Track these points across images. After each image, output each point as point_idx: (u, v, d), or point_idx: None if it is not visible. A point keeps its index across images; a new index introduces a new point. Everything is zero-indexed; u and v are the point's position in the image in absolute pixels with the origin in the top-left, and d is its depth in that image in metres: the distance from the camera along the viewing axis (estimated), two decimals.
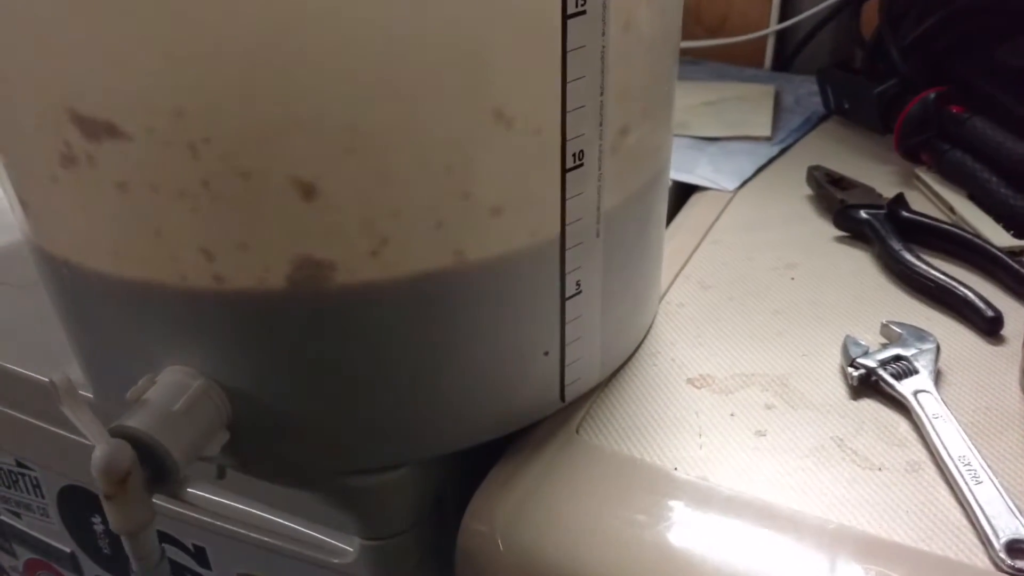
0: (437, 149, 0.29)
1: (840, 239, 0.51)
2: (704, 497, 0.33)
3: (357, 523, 0.37)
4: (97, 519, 0.47)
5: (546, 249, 0.33)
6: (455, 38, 0.27)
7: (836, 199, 0.52)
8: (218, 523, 0.42)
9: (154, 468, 0.31)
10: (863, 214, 0.49)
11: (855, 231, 0.50)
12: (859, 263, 0.48)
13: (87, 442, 0.36)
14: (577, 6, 0.29)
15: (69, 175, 0.30)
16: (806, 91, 0.73)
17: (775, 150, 0.62)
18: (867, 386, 0.38)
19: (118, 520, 0.31)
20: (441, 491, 0.39)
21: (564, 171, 0.32)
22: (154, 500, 0.32)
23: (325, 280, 0.30)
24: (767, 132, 0.64)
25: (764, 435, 0.36)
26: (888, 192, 0.52)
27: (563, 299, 0.35)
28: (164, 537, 0.45)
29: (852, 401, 0.38)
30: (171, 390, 0.32)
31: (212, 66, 0.26)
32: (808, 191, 0.57)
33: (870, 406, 0.37)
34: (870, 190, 0.52)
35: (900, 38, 0.62)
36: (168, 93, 0.27)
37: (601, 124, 0.32)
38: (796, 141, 0.64)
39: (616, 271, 0.37)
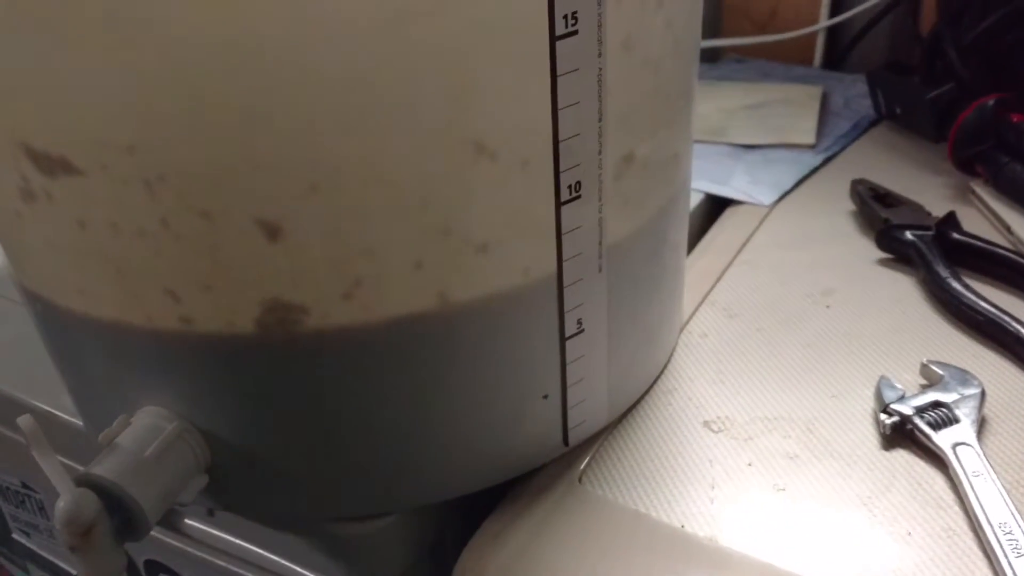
0: (410, 184, 0.27)
1: (883, 261, 0.47)
2: (712, 561, 0.31)
3: (346, 570, 0.35)
4: None
5: (541, 287, 0.31)
6: (425, 65, 0.25)
7: (880, 218, 0.48)
8: (214, 558, 0.41)
9: (123, 517, 0.30)
10: (908, 235, 0.46)
11: (899, 253, 0.46)
12: (902, 290, 0.44)
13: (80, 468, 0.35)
14: (567, 26, 0.27)
15: (30, 211, 0.29)
16: (857, 92, 0.69)
17: (819, 159, 0.58)
18: (901, 435, 0.35)
19: (85, 572, 0.29)
20: (438, 535, 0.37)
21: (559, 204, 0.29)
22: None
23: (296, 324, 0.28)
24: (811, 139, 0.60)
25: (783, 490, 0.33)
26: (939, 208, 0.48)
27: (563, 339, 0.32)
28: (161, 568, 0.44)
29: (883, 452, 0.34)
30: (143, 434, 0.30)
31: (161, 100, 0.24)
32: (850, 208, 0.53)
33: (903, 458, 0.34)
34: (918, 208, 0.48)
35: (959, 37, 0.58)
36: (118, 129, 0.25)
37: (600, 153, 0.30)
38: (843, 148, 0.60)
39: (624, 307, 0.34)
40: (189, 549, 0.42)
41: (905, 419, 0.34)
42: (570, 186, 0.29)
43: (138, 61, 0.24)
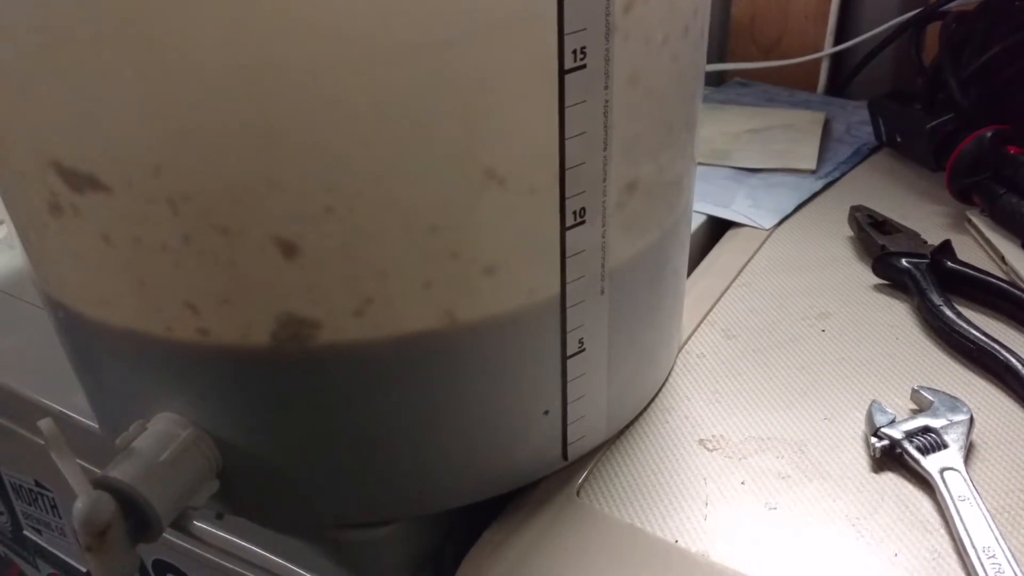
0: (422, 208, 0.28)
1: (879, 287, 0.48)
2: (704, 575, 0.32)
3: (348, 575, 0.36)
4: None
5: (545, 308, 0.32)
6: (440, 95, 0.26)
7: (877, 244, 0.49)
8: (222, 560, 0.42)
9: (137, 519, 0.31)
10: (904, 263, 0.47)
11: (895, 280, 0.48)
12: (896, 316, 0.46)
13: (95, 470, 0.36)
14: (576, 60, 0.28)
15: (57, 223, 0.30)
16: (859, 119, 0.70)
17: (819, 184, 0.59)
18: (891, 458, 0.36)
19: (100, 572, 0.30)
20: (439, 544, 0.38)
21: (564, 229, 0.31)
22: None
23: (309, 338, 0.30)
24: (812, 165, 0.61)
25: (775, 509, 0.34)
26: (935, 236, 0.49)
27: (564, 358, 0.33)
28: (169, 568, 0.45)
29: (873, 474, 0.35)
30: (159, 440, 0.32)
31: (185, 123, 0.26)
32: (848, 234, 0.54)
33: (892, 481, 0.35)
34: (915, 235, 0.50)
35: (960, 69, 0.59)
36: (145, 149, 0.26)
37: (605, 180, 0.31)
38: (844, 175, 0.61)
39: (624, 327, 0.35)
40: (197, 550, 0.43)
41: (895, 443, 0.35)
42: (575, 211, 0.31)
43: (163, 85, 0.25)
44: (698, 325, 0.46)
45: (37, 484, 0.49)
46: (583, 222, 0.31)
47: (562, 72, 0.28)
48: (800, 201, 0.57)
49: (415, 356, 0.31)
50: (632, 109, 0.31)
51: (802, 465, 0.36)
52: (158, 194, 0.27)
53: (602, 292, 0.33)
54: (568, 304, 0.32)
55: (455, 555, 0.37)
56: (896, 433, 0.36)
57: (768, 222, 0.55)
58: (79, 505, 0.29)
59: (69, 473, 0.30)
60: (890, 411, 0.37)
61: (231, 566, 0.41)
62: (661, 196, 0.35)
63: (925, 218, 0.54)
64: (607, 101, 0.29)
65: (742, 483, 0.35)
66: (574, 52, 0.28)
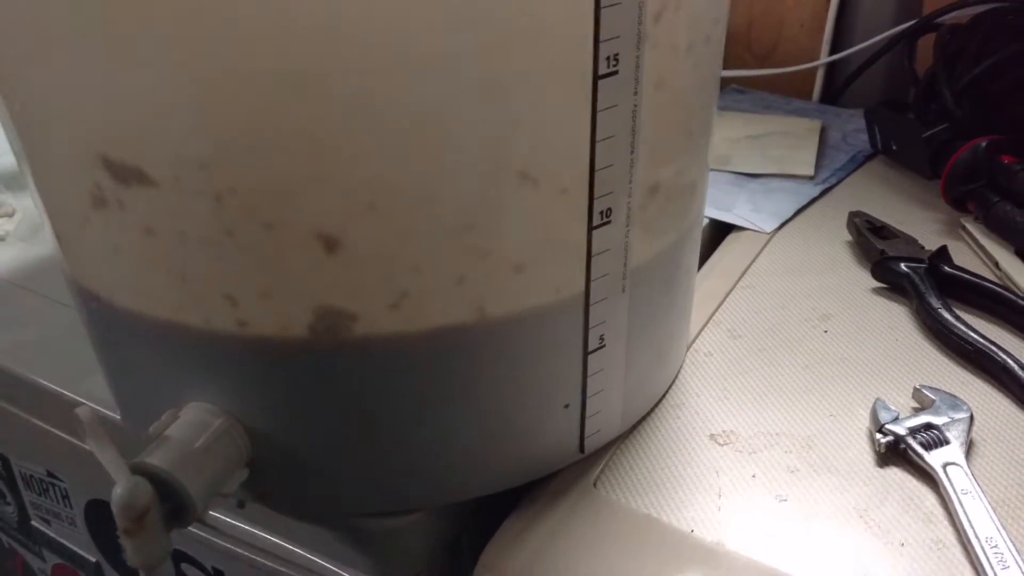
0: (458, 209, 0.29)
1: (878, 290, 0.50)
2: (720, 563, 0.33)
3: (372, 563, 0.37)
4: None
5: (570, 305, 0.33)
6: (478, 99, 0.27)
7: (876, 249, 0.51)
8: (238, 549, 0.43)
9: (172, 504, 0.31)
10: (903, 267, 0.48)
11: (894, 284, 0.49)
12: (895, 318, 0.47)
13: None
14: (609, 67, 0.29)
15: (100, 216, 0.31)
16: (854, 127, 0.72)
17: (817, 190, 0.61)
18: (895, 454, 0.37)
19: (136, 555, 0.31)
20: (456, 533, 0.39)
21: (590, 229, 0.32)
22: None
23: (345, 330, 0.30)
24: (810, 171, 0.63)
25: (785, 500, 0.35)
26: (930, 241, 0.51)
27: (585, 353, 0.35)
28: (184, 557, 0.45)
29: (878, 469, 0.37)
30: (193, 428, 0.32)
31: (233, 123, 0.27)
32: (846, 239, 0.55)
33: (896, 475, 0.36)
34: (912, 241, 0.51)
35: (954, 80, 0.61)
36: (195, 146, 0.27)
37: (631, 182, 0.32)
38: (840, 181, 0.63)
39: (642, 324, 0.37)
40: (213, 539, 0.44)
41: (899, 439, 0.37)
42: (602, 212, 0.32)
43: (216, 87, 0.26)
44: (704, 324, 0.47)
45: (49, 474, 0.50)
46: (608, 222, 0.32)
47: (596, 78, 0.29)
48: (799, 206, 0.59)
49: (445, 349, 0.32)
50: (657, 114, 0.32)
51: (810, 459, 0.37)
52: (204, 189, 0.28)
53: (623, 290, 0.34)
54: (592, 301, 0.33)
55: (470, 545, 0.38)
56: (900, 429, 0.37)
57: (769, 226, 0.56)
58: (118, 490, 0.30)
59: (107, 459, 0.31)
60: (893, 408, 0.38)
61: (249, 555, 0.42)
62: (679, 199, 0.36)
63: (920, 224, 0.56)
64: (635, 106, 0.31)
65: (753, 476, 0.37)
66: (607, 59, 0.29)
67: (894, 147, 0.64)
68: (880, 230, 0.53)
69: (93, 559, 0.52)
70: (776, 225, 0.57)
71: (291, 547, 0.40)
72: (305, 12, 0.25)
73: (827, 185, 0.62)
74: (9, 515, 0.56)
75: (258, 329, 0.31)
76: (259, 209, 0.28)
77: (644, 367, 0.38)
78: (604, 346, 0.35)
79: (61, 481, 0.50)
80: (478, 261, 0.30)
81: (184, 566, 0.46)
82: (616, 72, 0.29)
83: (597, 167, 0.31)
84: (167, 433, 0.32)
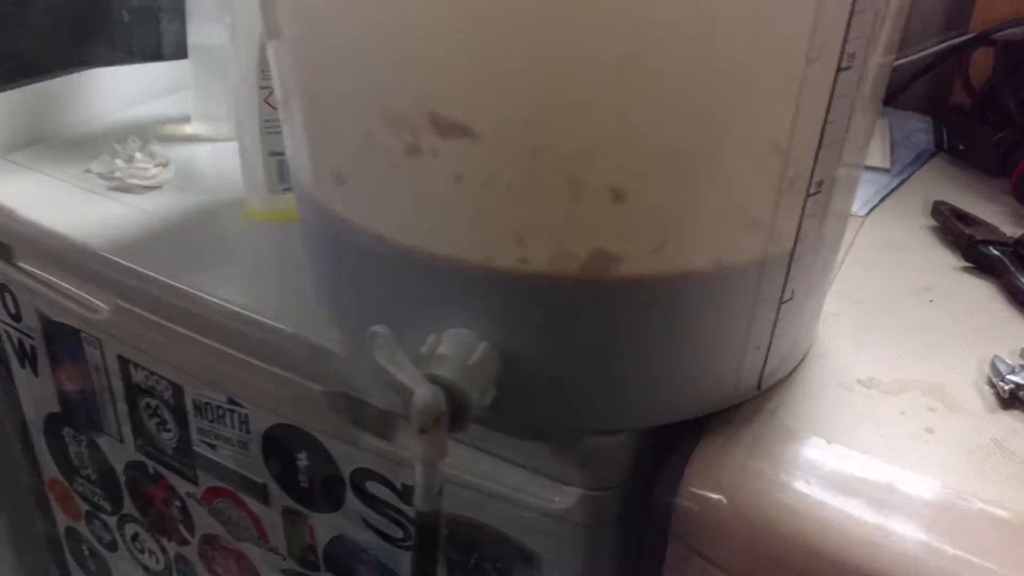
0: (720, 175, 0.35)
1: (967, 269, 0.57)
2: (892, 481, 0.40)
3: (582, 475, 0.43)
4: (302, 455, 0.53)
5: (779, 260, 0.39)
6: (754, 93, 0.34)
7: (964, 234, 0.58)
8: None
9: (451, 412, 0.37)
10: (992, 250, 0.56)
11: (982, 264, 0.57)
12: (987, 293, 0.55)
13: (312, 385, 0.45)
14: (847, 63, 0.36)
15: (409, 163, 0.36)
16: (911, 127, 0.79)
17: (895, 182, 0.69)
18: (1017, 399, 0.44)
19: (425, 451, 0.37)
20: (643, 456, 0.45)
21: (807, 196, 0.38)
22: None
23: (609, 270, 0.37)
24: (886, 164, 0.71)
25: (933, 432, 0.42)
26: (1004, 230, 0.58)
27: (780, 303, 0.41)
28: (374, 476, 0.51)
29: (1004, 411, 0.44)
30: (463, 348, 0.38)
31: (563, 94, 0.32)
32: (928, 224, 0.63)
33: (1020, 417, 0.44)
34: (994, 228, 0.59)
35: (1016, 89, 0.69)
36: (525, 110, 0.33)
37: (840, 159, 0.39)
38: (911, 175, 0.71)
39: (815, 280, 0.43)
40: (402, 454, 0.49)
41: (1019, 386, 0.44)
42: (818, 183, 0.38)
43: (552, 67, 0.32)
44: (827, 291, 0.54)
45: (230, 401, 0.55)
46: (819, 192, 0.39)
47: (838, 70, 0.35)
48: (884, 194, 0.66)
49: (684, 291, 0.38)
50: (859, 107, 0.38)
51: (945, 402, 0.45)
52: (522, 144, 0.34)
53: (815, 252, 0.41)
54: (794, 258, 0.40)
55: (646, 464, 0.44)
56: (1020, 379, 0.45)
57: (862, 210, 0.64)
58: (420, 395, 0.36)
59: (407, 373, 0.36)
60: (1010, 362, 0.46)
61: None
62: (855, 176, 0.43)
63: (990, 217, 0.63)
64: (854, 98, 0.37)
65: (902, 413, 0.44)
66: (849, 55, 0.35)
67: (961, 147, 0.71)
68: (964, 218, 0.60)
69: (261, 481, 0.57)
70: (867, 210, 0.64)
71: (493, 466, 0.46)
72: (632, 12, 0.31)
73: (902, 177, 0.70)
74: (167, 441, 0.61)
75: (536, 266, 0.37)
76: (566, 164, 0.34)
77: (808, 316, 0.45)
78: (793, 298, 0.42)
79: (242, 407, 0.55)
80: (727, 218, 0.37)
81: (371, 484, 0.51)
82: (850, 67, 0.36)
83: (823, 144, 0.37)
84: (440, 352, 0.38)
